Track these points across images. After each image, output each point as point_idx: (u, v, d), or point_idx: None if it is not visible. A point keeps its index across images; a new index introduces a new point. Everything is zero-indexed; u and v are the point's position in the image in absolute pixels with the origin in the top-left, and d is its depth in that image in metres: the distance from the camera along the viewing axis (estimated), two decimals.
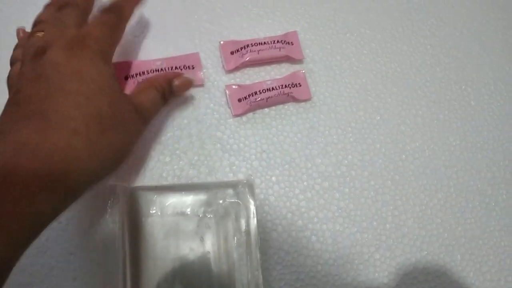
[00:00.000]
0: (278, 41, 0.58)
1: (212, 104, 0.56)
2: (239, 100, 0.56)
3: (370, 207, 0.55)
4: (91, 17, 0.48)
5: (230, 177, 0.54)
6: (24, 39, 0.46)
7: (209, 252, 0.48)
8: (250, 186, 0.51)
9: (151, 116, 0.49)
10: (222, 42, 0.58)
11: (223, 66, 0.58)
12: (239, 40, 0.58)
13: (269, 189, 0.54)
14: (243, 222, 0.49)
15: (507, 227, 0.58)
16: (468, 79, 0.63)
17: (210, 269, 0.48)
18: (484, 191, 0.59)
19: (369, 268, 0.53)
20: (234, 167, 0.54)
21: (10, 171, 0.35)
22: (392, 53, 0.63)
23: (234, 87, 0.56)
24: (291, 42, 0.59)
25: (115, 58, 0.54)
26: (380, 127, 0.59)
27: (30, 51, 0.42)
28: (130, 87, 0.54)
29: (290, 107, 0.58)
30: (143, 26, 0.58)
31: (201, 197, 0.50)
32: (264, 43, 0.58)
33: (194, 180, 0.53)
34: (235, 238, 0.49)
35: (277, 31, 0.60)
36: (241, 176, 0.54)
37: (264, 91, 0.56)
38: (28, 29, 0.47)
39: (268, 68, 0.59)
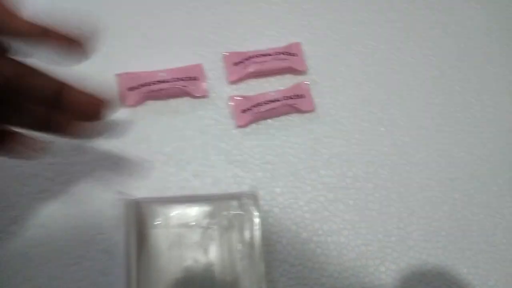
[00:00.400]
0: (281, 53, 0.58)
1: (216, 115, 0.56)
2: (243, 111, 0.56)
3: (375, 220, 0.55)
4: None
5: (234, 188, 0.54)
6: None
7: (213, 263, 0.48)
8: (254, 198, 0.50)
9: None
10: (225, 54, 0.58)
11: (227, 78, 0.58)
12: (243, 51, 0.58)
13: (273, 200, 0.54)
14: (247, 234, 0.49)
15: None
16: (472, 91, 0.63)
17: (214, 281, 0.47)
18: (490, 204, 0.58)
19: (374, 281, 0.53)
20: (238, 178, 0.54)
21: None
22: (396, 64, 0.63)
23: (238, 98, 0.56)
24: (295, 54, 0.59)
25: (118, 69, 0.55)
26: (385, 139, 0.59)
27: None
28: (134, 98, 0.54)
29: (294, 118, 0.58)
30: (147, 37, 0.58)
31: (205, 208, 0.49)
32: (268, 54, 0.58)
33: (198, 191, 0.53)
34: (239, 250, 0.48)
35: (281, 43, 0.60)
36: (245, 188, 0.54)
37: (267, 102, 0.56)
38: None
39: (271, 79, 0.59)
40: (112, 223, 0.50)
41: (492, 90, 0.65)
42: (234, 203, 0.50)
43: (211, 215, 0.49)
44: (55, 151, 0.52)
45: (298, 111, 0.57)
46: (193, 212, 0.49)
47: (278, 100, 0.56)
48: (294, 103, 0.56)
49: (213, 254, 0.48)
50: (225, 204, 0.50)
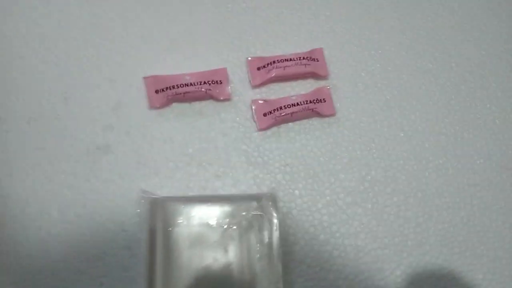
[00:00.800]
0: (304, 58, 0.59)
1: (238, 118, 0.58)
2: (265, 115, 0.57)
3: (392, 224, 0.56)
4: None
5: (254, 190, 0.55)
6: None
7: (232, 262, 0.49)
8: (273, 199, 0.52)
9: None
10: (249, 58, 0.59)
11: (250, 81, 0.59)
12: (266, 56, 0.59)
13: (292, 202, 0.55)
14: (266, 235, 0.50)
15: None
16: (492, 98, 0.63)
17: (232, 279, 0.49)
18: (508, 211, 0.59)
19: (390, 284, 0.54)
20: (258, 180, 0.56)
21: None
22: (417, 71, 0.63)
23: (260, 102, 0.57)
24: (317, 59, 0.60)
25: (145, 72, 0.57)
26: (404, 144, 0.59)
27: None
28: (160, 100, 0.56)
29: (314, 122, 0.59)
30: (173, 42, 0.60)
31: (226, 208, 0.51)
32: (290, 59, 0.59)
33: (219, 192, 0.55)
34: (258, 250, 0.49)
35: (303, 48, 0.61)
36: (264, 189, 0.55)
37: (289, 106, 0.57)
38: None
39: (293, 83, 0.60)
40: (134, 220, 0.52)
41: None
42: (254, 204, 0.51)
43: (231, 215, 0.50)
44: (80, 149, 0.54)
45: (319, 115, 0.58)
46: (214, 212, 0.51)
47: (299, 104, 0.57)
48: (315, 108, 0.57)
49: (232, 253, 0.49)
50: (245, 205, 0.51)
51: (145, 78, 0.57)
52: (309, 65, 0.59)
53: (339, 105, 0.60)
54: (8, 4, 0.59)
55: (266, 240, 0.50)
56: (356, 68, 0.62)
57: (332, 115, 0.59)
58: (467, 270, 0.56)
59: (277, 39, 0.62)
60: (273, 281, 0.49)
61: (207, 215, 0.50)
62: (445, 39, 0.66)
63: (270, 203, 0.51)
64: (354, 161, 0.58)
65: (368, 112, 0.60)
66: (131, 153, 0.55)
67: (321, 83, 0.60)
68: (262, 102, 0.57)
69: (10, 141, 0.54)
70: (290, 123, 0.58)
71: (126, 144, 0.55)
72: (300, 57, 0.59)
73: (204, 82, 0.56)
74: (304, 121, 0.59)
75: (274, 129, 0.58)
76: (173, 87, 0.56)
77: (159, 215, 0.50)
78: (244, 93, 0.59)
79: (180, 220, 0.50)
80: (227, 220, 0.50)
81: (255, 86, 0.59)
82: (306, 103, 0.57)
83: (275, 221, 0.51)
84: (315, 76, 0.60)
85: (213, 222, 0.50)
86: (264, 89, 0.59)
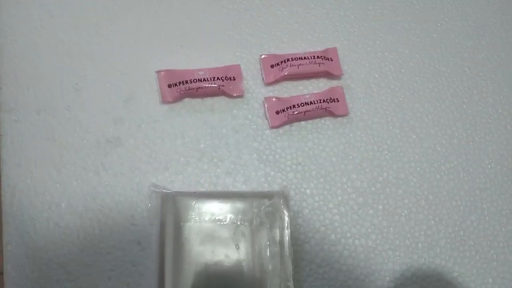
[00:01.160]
0: (318, 57, 0.59)
1: (250, 115, 0.57)
2: (277, 113, 0.57)
3: (403, 225, 0.56)
4: None
5: (265, 188, 0.55)
6: None
7: (243, 260, 0.49)
8: (285, 197, 0.51)
9: None
10: (263, 56, 0.59)
11: (263, 79, 0.59)
12: (280, 54, 0.59)
13: (303, 201, 0.55)
14: (277, 233, 0.50)
15: None
16: (505, 103, 0.63)
17: (243, 277, 0.48)
18: None
19: (400, 286, 0.53)
20: (269, 178, 0.55)
21: None
22: (430, 74, 0.63)
23: (273, 99, 0.57)
24: (331, 58, 0.60)
25: (159, 66, 0.56)
26: (416, 146, 0.59)
27: None
28: (173, 95, 0.55)
29: (327, 121, 0.58)
30: (187, 37, 0.60)
31: (238, 205, 0.50)
32: (304, 58, 0.59)
33: (230, 188, 0.54)
34: (269, 248, 0.49)
35: (317, 47, 0.61)
36: (275, 187, 0.55)
37: (302, 104, 0.57)
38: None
39: (306, 82, 0.60)
40: (145, 215, 0.52)
41: None
42: (266, 201, 0.51)
43: (243, 212, 0.50)
44: (90, 141, 0.54)
45: (332, 114, 0.58)
46: (226, 208, 0.50)
47: (312, 103, 0.57)
48: (328, 107, 0.57)
49: (243, 250, 0.49)
50: (256, 202, 0.51)
51: (158, 72, 0.56)
52: (323, 64, 0.59)
53: (352, 106, 0.59)
54: None
55: (277, 238, 0.49)
56: (370, 69, 0.62)
57: (345, 115, 0.59)
58: (477, 274, 0.55)
59: (291, 37, 0.61)
60: (283, 279, 0.48)
61: (219, 211, 0.50)
62: (458, 43, 0.66)
63: (281, 201, 0.51)
64: (366, 161, 0.57)
65: (381, 113, 0.60)
66: (142, 146, 0.54)
67: (335, 83, 0.60)
68: (275, 99, 0.57)
69: (19, 131, 0.53)
70: (302, 122, 0.58)
71: (137, 137, 0.55)
72: (314, 56, 0.59)
73: (218, 78, 0.56)
74: (317, 120, 0.58)
75: (286, 127, 0.58)
76: (186, 82, 0.55)
77: (170, 210, 0.50)
78: (257, 90, 0.58)
79: (191, 215, 0.49)
80: (239, 217, 0.50)
81: (268, 84, 0.59)
82: (319, 102, 0.57)
83: (286, 219, 0.50)
84: (328, 75, 0.60)
85: (224, 218, 0.50)
86: (277, 86, 0.59)
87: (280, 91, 0.59)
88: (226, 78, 0.57)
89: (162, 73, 0.56)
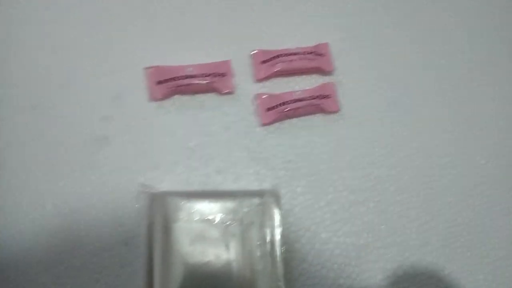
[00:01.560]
0: (309, 52, 0.58)
1: (241, 112, 0.57)
2: (268, 110, 0.56)
3: (394, 223, 0.55)
4: None
5: (256, 186, 0.54)
6: None
7: (233, 260, 0.48)
8: (275, 196, 0.51)
9: None
10: (253, 52, 0.58)
11: (254, 75, 0.58)
12: (270, 50, 0.58)
13: (294, 200, 0.54)
14: (267, 232, 0.49)
15: None
16: (500, 98, 0.63)
17: (233, 277, 0.48)
18: (510, 212, 0.58)
19: (391, 284, 0.53)
20: (260, 176, 0.55)
21: None
22: (422, 69, 0.62)
23: (263, 96, 0.56)
24: (322, 54, 0.59)
25: (147, 63, 0.55)
26: (408, 142, 0.59)
27: None
28: (162, 92, 0.54)
29: (318, 118, 0.58)
30: (176, 32, 0.59)
31: (228, 204, 0.50)
32: (295, 53, 0.58)
33: (220, 187, 0.54)
34: (259, 247, 0.49)
35: (308, 42, 0.60)
36: (266, 185, 0.54)
37: (293, 101, 0.56)
38: None
39: (297, 78, 0.59)
40: (133, 215, 0.51)
41: None
42: (256, 200, 0.50)
43: (233, 212, 0.49)
44: (77, 140, 0.53)
45: (323, 111, 0.57)
46: (216, 208, 0.49)
47: (303, 100, 0.56)
48: (319, 103, 0.56)
49: (233, 250, 0.48)
50: (247, 201, 0.50)
51: (146, 68, 0.55)
52: (314, 60, 0.58)
53: (344, 102, 0.59)
54: None
55: (268, 237, 0.49)
56: (362, 64, 0.61)
57: (336, 111, 0.58)
58: (468, 271, 0.55)
59: (282, 33, 0.61)
60: (274, 279, 0.48)
61: (209, 211, 0.49)
62: (453, 37, 0.65)
63: (272, 199, 0.50)
64: (357, 158, 0.57)
65: (373, 109, 0.59)
66: (130, 145, 0.54)
67: (326, 79, 0.59)
68: (265, 96, 0.56)
69: (5, 130, 0.52)
70: (293, 119, 0.57)
71: (126, 136, 0.54)
72: (305, 52, 0.58)
73: (207, 74, 0.55)
74: (308, 117, 0.58)
75: (277, 124, 0.57)
76: (175, 78, 0.54)
77: (158, 210, 0.49)
78: (247, 86, 0.58)
79: (181, 215, 0.49)
80: (229, 216, 0.49)
81: (259, 80, 0.58)
82: (311, 99, 0.56)
83: (277, 218, 0.50)
84: (320, 71, 0.59)
85: (214, 218, 0.49)
86: (268, 83, 0.58)
87: (271, 88, 0.58)
88: (216, 75, 0.56)
89: (150, 69, 0.55)
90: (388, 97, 0.60)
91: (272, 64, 0.57)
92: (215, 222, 0.49)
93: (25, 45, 0.55)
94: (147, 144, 0.54)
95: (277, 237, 0.49)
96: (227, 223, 0.49)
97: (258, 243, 0.49)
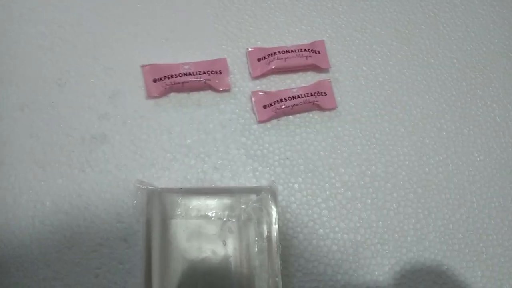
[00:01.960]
0: (305, 50, 0.58)
1: (237, 110, 0.57)
2: (265, 107, 0.56)
3: (392, 219, 0.55)
4: None
5: (253, 183, 0.54)
6: None
7: (230, 256, 0.48)
8: (273, 193, 0.51)
9: None
10: (249, 49, 0.58)
11: (250, 73, 0.58)
12: (267, 47, 0.58)
13: (292, 196, 0.54)
14: (265, 228, 0.49)
15: None
16: (494, 95, 0.63)
17: (230, 273, 0.48)
18: (507, 208, 0.58)
19: (389, 280, 0.53)
20: (257, 173, 0.55)
21: None
22: (419, 66, 0.63)
23: (260, 93, 0.56)
24: (318, 51, 0.59)
25: (143, 61, 0.55)
26: (405, 139, 0.59)
27: None
28: (158, 89, 0.54)
29: (315, 115, 0.58)
30: (172, 30, 0.59)
31: (225, 201, 0.50)
32: (291, 51, 0.58)
33: (217, 184, 0.54)
34: (257, 243, 0.49)
35: (305, 40, 0.60)
36: (263, 182, 0.54)
37: (289, 98, 0.56)
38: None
39: (294, 76, 0.59)
40: (131, 212, 0.51)
41: None
42: (253, 197, 0.50)
43: (230, 208, 0.49)
44: (75, 138, 0.53)
45: (320, 108, 0.58)
46: (213, 204, 0.50)
47: (300, 97, 0.56)
48: (315, 100, 0.57)
49: (231, 246, 0.48)
50: (244, 198, 0.50)
51: (142, 66, 0.55)
52: (311, 57, 0.58)
53: (340, 99, 0.59)
54: None
55: (265, 233, 0.49)
56: (358, 61, 0.61)
57: (333, 108, 0.58)
58: (466, 267, 0.55)
59: (278, 30, 0.61)
60: (271, 275, 0.48)
61: (206, 208, 0.49)
62: (447, 34, 0.65)
63: (269, 196, 0.50)
64: (354, 155, 0.57)
65: (369, 106, 0.59)
66: (128, 143, 0.54)
67: (322, 76, 0.60)
68: (262, 94, 0.56)
69: (2, 129, 0.52)
70: (290, 116, 0.57)
71: (123, 133, 0.54)
72: (301, 49, 0.58)
73: (204, 72, 0.55)
74: (305, 114, 0.58)
75: (274, 121, 0.57)
76: (172, 76, 0.55)
77: (156, 206, 0.49)
78: (244, 84, 0.58)
79: (178, 211, 0.49)
80: (226, 212, 0.49)
81: (255, 78, 0.58)
82: (307, 96, 0.57)
83: (274, 214, 0.50)
84: (316, 68, 0.59)
85: (211, 214, 0.49)
86: (264, 80, 0.58)
87: (267, 85, 0.58)
88: (213, 72, 0.56)
89: (147, 67, 0.55)
90: (384, 94, 0.60)
91: (268, 61, 0.57)
92: (213, 218, 0.49)
93: (22, 43, 0.56)
94: (145, 141, 0.54)
95: (274, 233, 0.49)
96: (224, 219, 0.49)
97: (256, 239, 0.49)
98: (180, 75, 0.55)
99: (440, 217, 0.56)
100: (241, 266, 0.48)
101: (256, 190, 0.51)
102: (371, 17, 0.64)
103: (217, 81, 0.56)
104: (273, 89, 0.58)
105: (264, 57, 0.58)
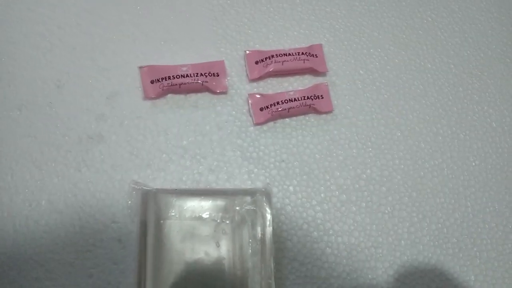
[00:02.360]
0: (302, 53, 0.59)
1: (234, 112, 0.57)
2: (261, 109, 0.56)
3: (386, 223, 0.55)
4: None
5: (248, 185, 0.55)
6: None
7: (224, 257, 0.48)
8: (267, 195, 0.51)
9: None
10: (247, 52, 0.58)
11: (247, 75, 0.58)
12: (264, 50, 0.59)
13: (286, 198, 0.55)
14: (259, 230, 0.49)
15: None
16: (490, 100, 0.63)
17: (224, 274, 0.48)
18: (501, 213, 0.58)
19: (382, 284, 0.53)
20: (253, 175, 0.55)
21: None
22: (415, 71, 0.63)
23: (257, 96, 0.57)
24: (316, 55, 0.59)
25: (141, 62, 0.56)
26: (400, 143, 0.59)
27: None
28: (155, 91, 0.55)
29: (311, 118, 0.58)
30: (170, 32, 0.59)
31: (219, 202, 0.50)
32: (289, 54, 0.58)
33: (213, 186, 0.54)
34: (250, 245, 0.49)
35: (302, 43, 0.61)
36: (259, 184, 0.55)
37: (286, 101, 0.56)
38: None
39: (291, 79, 0.60)
40: (126, 212, 0.51)
41: (511, 101, 0.64)
42: (248, 199, 0.50)
43: (224, 210, 0.50)
44: (72, 138, 0.53)
45: (316, 111, 0.58)
46: (207, 205, 0.50)
47: (296, 100, 0.57)
48: (312, 104, 0.57)
49: (224, 248, 0.49)
50: (238, 200, 0.50)
51: (140, 67, 0.56)
52: (308, 61, 0.59)
53: (337, 102, 0.59)
54: None
55: (259, 235, 0.49)
56: (355, 65, 0.61)
57: (329, 112, 0.58)
58: (460, 271, 0.55)
59: (276, 34, 0.61)
60: (264, 277, 0.48)
61: (200, 209, 0.50)
62: (444, 40, 0.65)
63: (264, 198, 0.51)
64: (350, 159, 0.57)
65: (365, 110, 0.60)
66: (124, 143, 0.54)
67: (319, 80, 0.60)
68: (259, 96, 0.57)
69: (0, 128, 0.53)
70: (286, 119, 0.58)
71: (119, 134, 0.54)
72: (299, 52, 0.59)
73: (201, 74, 0.56)
74: (301, 117, 0.58)
75: (270, 124, 0.57)
76: (169, 77, 0.55)
77: (151, 207, 0.49)
78: (241, 86, 0.58)
79: (172, 212, 0.49)
80: (220, 214, 0.50)
81: (253, 80, 0.58)
82: (304, 99, 0.57)
83: (269, 216, 0.50)
84: (313, 72, 0.60)
85: (206, 216, 0.49)
86: (261, 83, 0.59)
87: (264, 88, 0.59)
88: (210, 74, 0.56)
89: (144, 68, 0.56)
90: (381, 98, 0.61)
91: (266, 64, 0.58)
92: (207, 220, 0.49)
93: (21, 44, 0.56)
94: (141, 142, 0.54)
95: (268, 235, 0.49)
96: (218, 221, 0.49)
97: (249, 241, 0.49)
98: (178, 76, 0.55)
99: (434, 221, 0.57)
100: (234, 268, 0.48)
101: (250, 192, 0.51)
102: (369, 22, 0.64)
103: (214, 83, 0.56)
104: (270, 92, 0.58)
105: (262, 60, 0.58)
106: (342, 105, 0.59)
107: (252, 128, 0.57)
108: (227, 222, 0.49)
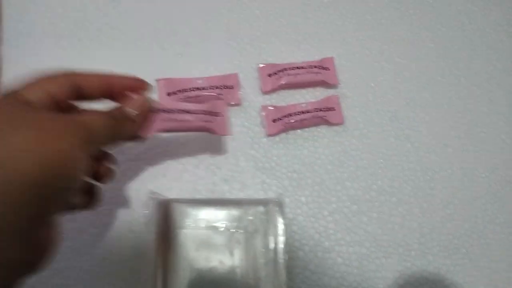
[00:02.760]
0: (314, 66, 0.60)
1: (247, 123, 0.58)
2: (274, 121, 0.58)
3: (397, 233, 0.56)
4: None
5: (261, 195, 0.56)
6: None
7: (237, 266, 0.49)
8: (280, 205, 0.52)
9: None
10: (260, 65, 0.60)
11: (260, 88, 0.60)
12: (277, 63, 0.60)
13: (298, 209, 0.56)
14: (271, 240, 0.50)
15: None
16: (500, 113, 0.64)
17: (237, 283, 0.49)
18: (511, 225, 0.59)
19: None
20: (265, 185, 0.56)
21: None
22: (426, 83, 0.64)
23: (269, 108, 0.58)
24: (327, 68, 0.61)
25: (158, 75, 0.57)
26: (410, 155, 0.60)
27: None
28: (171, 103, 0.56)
29: (323, 130, 0.59)
30: (186, 45, 0.61)
31: (233, 212, 0.51)
32: (301, 67, 0.60)
33: (226, 195, 0.55)
34: (263, 254, 0.50)
35: (314, 56, 0.62)
36: (271, 194, 0.56)
37: (298, 113, 0.58)
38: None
39: (303, 91, 0.61)
40: (142, 221, 0.53)
41: None
42: (261, 208, 0.52)
43: (238, 219, 0.51)
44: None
45: (327, 123, 0.59)
46: (221, 215, 0.51)
47: (308, 112, 0.58)
48: (324, 115, 0.58)
49: (238, 257, 0.50)
50: (252, 209, 0.52)
51: (158, 80, 0.57)
52: (320, 74, 0.60)
53: (348, 114, 0.60)
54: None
55: (272, 245, 0.50)
56: (366, 78, 0.63)
57: (340, 123, 0.60)
58: (469, 282, 0.56)
59: (288, 47, 0.63)
60: (277, 286, 0.49)
61: (214, 218, 0.51)
62: (454, 53, 0.66)
63: (276, 208, 0.52)
64: (361, 170, 0.58)
65: (376, 122, 0.61)
66: (140, 154, 0.55)
67: (331, 92, 0.61)
68: (272, 108, 0.58)
69: None
70: (298, 130, 0.59)
71: (134, 145, 0.55)
72: (311, 66, 0.60)
73: (216, 87, 0.57)
74: (313, 128, 0.59)
75: (283, 135, 0.59)
76: (185, 90, 0.56)
77: (167, 216, 0.50)
78: (254, 98, 0.60)
79: (188, 222, 0.50)
80: (234, 224, 0.51)
81: (266, 93, 0.60)
82: (316, 111, 0.58)
83: (281, 226, 0.51)
84: (325, 84, 0.61)
85: (220, 225, 0.51)
86: (274, 95, 0.60)
87: (277, 100, 0.60)
88: (224, 87, 0.58)
89: (162, 81, 0.57)
90: (390, 110, 0.62)
91: (279, 77, 0.59)
92: (221, 229, 0.50)
93: (40, 58, 0.58)
94: (156, 153, 0.56)
95: (281, 245, 0.50)
96: (232, 230, 0.50)
97: (262, 250, 0.50)
98: (193, 89, 0.57)
99: (444, 232, 0.57)
100: (247, 277, 0.49)
101: (263, 202, 0.52)
102: (379, 35, 0.65)
103: (228, 96, 0.58)
104: (283, 104, 0.59)
105: (275, 73, 0.59)
106: (353, 117, 0.60)
107: (265, 139, 0.58)
108: (241, 231, 0.50)
